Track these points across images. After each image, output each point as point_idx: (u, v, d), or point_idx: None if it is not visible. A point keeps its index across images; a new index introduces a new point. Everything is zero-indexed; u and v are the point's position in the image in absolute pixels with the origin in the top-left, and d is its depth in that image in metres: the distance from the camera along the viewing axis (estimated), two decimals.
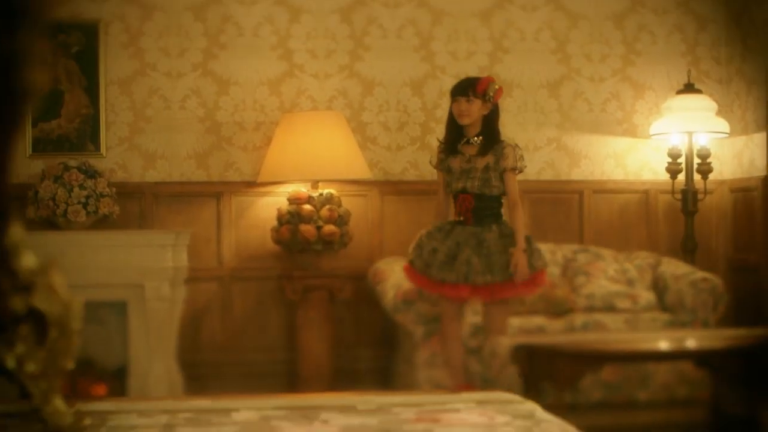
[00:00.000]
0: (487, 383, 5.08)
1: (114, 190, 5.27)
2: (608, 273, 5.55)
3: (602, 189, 5.85)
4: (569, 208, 5.85)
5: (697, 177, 5.67)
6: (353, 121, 5.62)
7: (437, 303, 4.66)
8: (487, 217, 4.40)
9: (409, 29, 5.70)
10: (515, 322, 5.29)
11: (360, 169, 5.37)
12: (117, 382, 5.27)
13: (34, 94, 1.03)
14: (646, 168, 5.90)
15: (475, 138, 4.38)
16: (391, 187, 5.69)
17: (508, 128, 5.77)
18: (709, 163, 5.64)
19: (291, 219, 5.28)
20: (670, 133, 5.65)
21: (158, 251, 5.21)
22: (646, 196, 5.89)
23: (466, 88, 4.37)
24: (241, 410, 1.12)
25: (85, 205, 5.20)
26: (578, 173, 5.84)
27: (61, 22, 5.46)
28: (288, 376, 5.46)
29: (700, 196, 5.67)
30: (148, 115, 5.56)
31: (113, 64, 5.51)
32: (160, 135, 5.55)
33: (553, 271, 5.57)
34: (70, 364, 1.03)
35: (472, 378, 5.04)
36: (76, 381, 5.43)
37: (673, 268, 5.52)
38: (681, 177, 5.70)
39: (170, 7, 5.55)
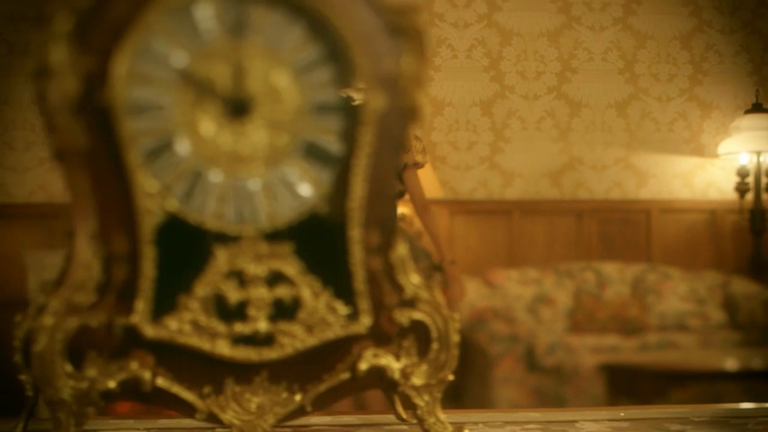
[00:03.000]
0: (560, 402, 5.08)
1: None
2: (678, 292, 5.57)
3: (669, 209, 5.87)
4: (636, 227, 5.87)
5: (765, 196, 5.68)
6: (423, 140, 5.63)
7: None
8: None
9: (478, 49, 5.74)
10: (588, 341, 5.31)
11: (431, 188, 5.38)
12: None
13: (420, 115, 1.05)
14: (713, 187, 5.91)
15: None
16: (461, 207, 5.71)
17: (576, 148, 5.80)
18: None
19: None
20: (738, 153, 5.68)
21: None
22: (713, 215, 5.90)
23: None
24: (580, 422, 1.13)
25: None
26: (645, 192, 5.86)
27: None
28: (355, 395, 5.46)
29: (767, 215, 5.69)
30: None
31: None
32: None
33: (623, 290, 5.59)
34: (451, 377, 1.04)
35: (544, 396, 5.04)
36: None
37: (744, 287, 5.53)
38: (748, 196, 5.71)
39: None
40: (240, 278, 1.01)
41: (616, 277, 5.62)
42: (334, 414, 1.17)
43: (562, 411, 1.17)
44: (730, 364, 5.04)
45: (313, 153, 1.05)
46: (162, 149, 1.00)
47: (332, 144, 1.05)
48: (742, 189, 5.68)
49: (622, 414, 1.16)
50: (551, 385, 5.04)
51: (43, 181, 5.49)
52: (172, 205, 1.00)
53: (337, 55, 1.04)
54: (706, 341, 5.35)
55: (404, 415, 1.17)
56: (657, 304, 5.51)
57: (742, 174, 5.68)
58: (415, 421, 1.17)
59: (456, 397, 5.58)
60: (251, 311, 1.01)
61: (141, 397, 1.00)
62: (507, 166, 5.72)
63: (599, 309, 5.49)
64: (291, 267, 1.02)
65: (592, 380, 4.97)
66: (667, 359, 4.98)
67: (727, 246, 5.90)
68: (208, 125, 1.02)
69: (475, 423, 1.15)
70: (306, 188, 1.04)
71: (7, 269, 5.39)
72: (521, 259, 5.57)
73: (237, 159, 1.02)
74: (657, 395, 4.76)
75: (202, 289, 1.00)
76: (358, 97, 1.05)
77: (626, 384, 4.90)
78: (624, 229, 5.86)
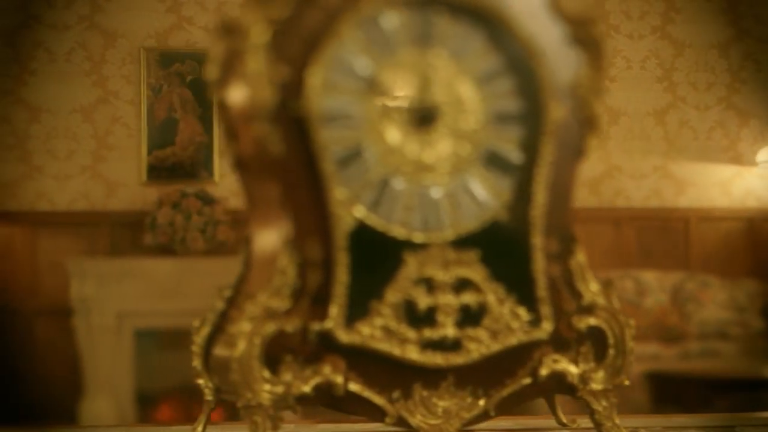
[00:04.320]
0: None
1: (229, 217, 5.32)
2: (718, 300, 5.57)
3: (708, 217, 5.87)
4: (675, 235, 5.87)
5: None
6: None
7: None
8: None
9: None
10: None
11: None
12: (232, 407, 5.32)
13: (598, 124, 1.07)
14: (752, 195, 5.92)
15: None
16: None
17: (615, 156, 5.82)
18: None
19: None
20: None
21: None
22: (751, 223, 5.91)
23: None
24: (738, 427, 1.15)
25: (203, 232, 5.25)
26: (684, 201, 5.87)
27: (176, 51, 5.54)
28: None
29: None
30: None
31: None
32: None
33: (662, 298, 5.59)
34: (626, 382, 1.06)
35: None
36: (192, 406, 5.48)
37: None
38: None
39: None
40: (428, 285, 1.03)
41: (655, 285, 5.62)
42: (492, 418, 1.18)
43: (721, 416, 1.18)
44: None
45: (494, 162, 1.06)
46: (351, 157, 1.02)
47: (512, 153, 1.07)
48: None
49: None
50: None
51: (85, 189, 5.52)
52: (361, 212, 1.02)
53: (517, 64, 1.06)
54: (747, 349, 5.35)
55: (564, 420, 1.19)
56: (697, 312, 5.51)
57: None
58: (574, 425, 1.19)
59: None
60: (440, 317, 1.02)
61: (332, 402, 1.02)
62: None
63: (639, 317, 5.49)
64: (477, 274, 1.04)
65: (635, 388, 4.97)
66: (710, 367, 4.98)
67: (765, 254, 5.90)
68: (395, 134, 1.03)
69: (636, 427, 1.16)
70: (487, 196, 1.06)
71: (49, 277, 5.42)
72: None
73: (422, 167, 1.04)
74: (700, 403, 4.76)
75: (393, 295, 1.02)
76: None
77: (669, 392, 4.90)
78: (662, 238, 5.87)
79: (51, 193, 5.50)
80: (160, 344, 5.44)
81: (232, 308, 1.10)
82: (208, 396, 1.12)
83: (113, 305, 5.19)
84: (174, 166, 5.56)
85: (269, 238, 1.05)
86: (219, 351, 1.06)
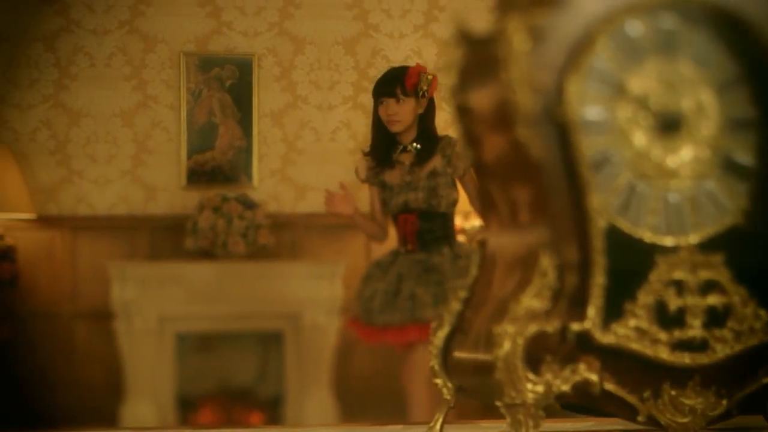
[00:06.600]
0: None
1: (270, 221, 5.34)
2: None
3: None
4: None
5: None
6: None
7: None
8: (436, 240, 3.45)
9: None
10: None
11: None
12: (273, 411, 5.34)
13: None
14: None
15: (414, 144, 3.47)
16: None
17: None
18: None
19: None
20: None
21: (315, 282, 5.30)
22: None
23: (392, 86, 3.42)
24: None
25: (244, 236, 5.26)
26: None
27: (215, 56, 5.56)
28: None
29: None
30: (300, 147, 5.63)
31: (266, 97, 5.59)
32: (312, 167, 5.61)
33: None
34: None
35: None
36: (233, 410, 5.50)
37: None
38: None
39: (322, 42, 5.65)
40: (678, 286, 1.05)
41: None
42: None
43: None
44: None
45: (732, 167, 1.09)
46: (602, 162, 1.05)
47: (748, 158, 1.10)
48: None
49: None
50: None
51: (125, 193, 5.53)
52: (612, 215, 1.05)
53: (755, 72, 1.09)
54: None
55: None
56: None
57: None
58: None
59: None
60: (688, 318, 1.05)
61: (587, 401, 1.04)
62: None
63: None
64: (723, 276, 1.07)
65: None
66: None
67: None
68: (642, 139, 1.06)
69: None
70: (726, 201, 1.09)
71: (89, 281, 5.43)
72: None
73: (665, 172, 1.07)
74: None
75: (645, 296, 1.05)
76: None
77: None
78: None
79: (91, 197, 5.51)
80: (201, 348, 5.46)
81: (468, 309, 1.13)
82: (447, 395, 1.14)
83: (154, 309, 5.21)
84: (213, 171, 5.57)
85: (511, 240, 1.08)
86: (465, 353, 1.08)
